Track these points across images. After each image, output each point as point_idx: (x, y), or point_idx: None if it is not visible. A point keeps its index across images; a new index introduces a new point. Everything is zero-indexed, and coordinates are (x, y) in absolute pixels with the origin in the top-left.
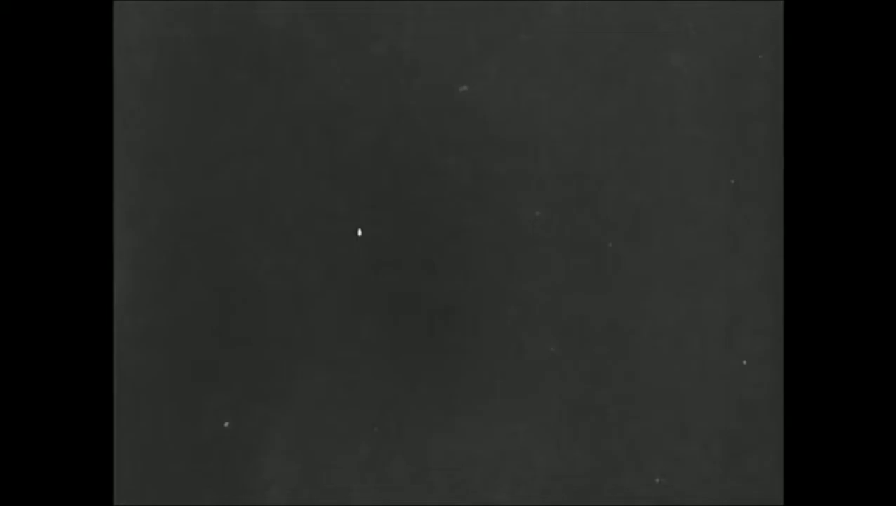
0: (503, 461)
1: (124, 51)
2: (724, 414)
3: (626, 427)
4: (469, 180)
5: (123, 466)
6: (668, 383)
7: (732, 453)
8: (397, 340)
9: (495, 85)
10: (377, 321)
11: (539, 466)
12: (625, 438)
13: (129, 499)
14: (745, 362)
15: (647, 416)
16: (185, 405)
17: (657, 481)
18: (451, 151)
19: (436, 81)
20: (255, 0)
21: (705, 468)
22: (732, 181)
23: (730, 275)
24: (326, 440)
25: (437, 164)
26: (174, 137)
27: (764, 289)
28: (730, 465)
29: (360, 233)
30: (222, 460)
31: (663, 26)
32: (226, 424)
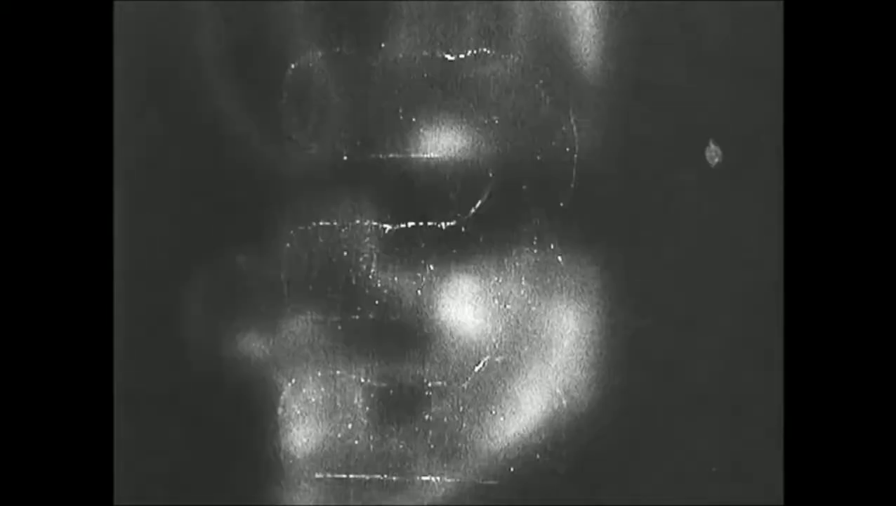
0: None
1: (124, 51)
2: (724, 414)
3: (625, 427)
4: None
5: (123, 466)
6: (668, 382)
7: (732, 453)
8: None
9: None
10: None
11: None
12: (624, 437)
13: (129, 499)
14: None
15: (645, 415)
16: (185, 406)
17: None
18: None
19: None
20: (256, 0)
21: (705, 469)
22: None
23: (730, 275)
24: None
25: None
26: (174, 136)
27: (764, 290)
28: (730, 465)
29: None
30: (222, 460)
31: (663, 25)
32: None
